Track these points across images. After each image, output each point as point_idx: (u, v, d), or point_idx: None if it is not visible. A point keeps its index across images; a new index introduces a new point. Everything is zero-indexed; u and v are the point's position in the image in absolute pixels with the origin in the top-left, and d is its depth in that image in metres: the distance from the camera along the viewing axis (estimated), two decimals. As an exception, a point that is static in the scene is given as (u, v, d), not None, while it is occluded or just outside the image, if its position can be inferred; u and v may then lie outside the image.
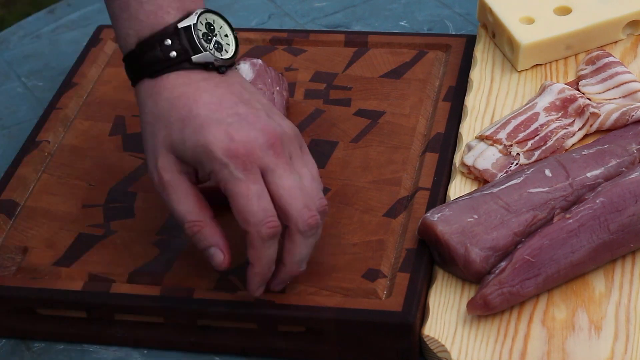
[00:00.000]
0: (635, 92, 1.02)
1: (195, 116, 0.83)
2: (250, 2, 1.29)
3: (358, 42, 1.14)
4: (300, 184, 0.83)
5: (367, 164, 0.99)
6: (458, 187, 0.96)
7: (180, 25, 0.86)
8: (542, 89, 1.03)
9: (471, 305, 0.85)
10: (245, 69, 1.04)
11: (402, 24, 1.23)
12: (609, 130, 1.00)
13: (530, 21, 1.09)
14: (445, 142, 1.01)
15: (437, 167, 0.98)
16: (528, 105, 1.01)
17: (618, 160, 0.94)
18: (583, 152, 0.94)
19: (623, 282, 0.88)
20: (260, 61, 1.05)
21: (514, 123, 0.99)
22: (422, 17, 1.23)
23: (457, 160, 0.99)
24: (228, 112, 0.83)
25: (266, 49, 1.14)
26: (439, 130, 1.02)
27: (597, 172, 0.93)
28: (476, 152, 0.98)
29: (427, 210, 0.93)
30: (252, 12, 1.27)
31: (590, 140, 0.99)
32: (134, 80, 0.87)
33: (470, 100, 1.05)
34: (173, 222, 0.95)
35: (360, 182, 0.97)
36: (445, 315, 0.87)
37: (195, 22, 0.86)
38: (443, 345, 0.84)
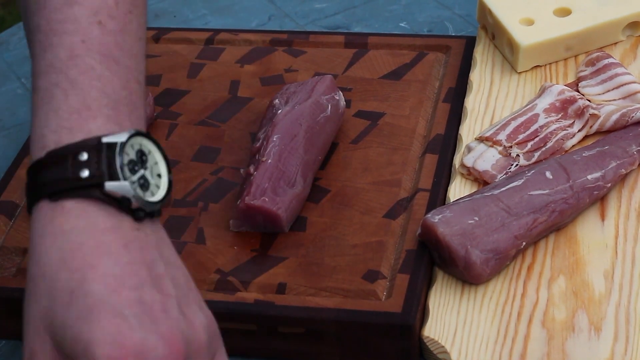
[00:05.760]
0: (635, 93, 1.02)
1: (86, 293, 0.63)
2: (250, 4, 1.29)
3: (358, 43, 1.14)
4: None
5: (367, 165, 0.99)
6: (458, 189, 0.96)
7: (105, 139, 0.67)
8: (542, 91, 1.03)
9: None
10: None
11: (402, 25, 1.23)
12: (608, 131, 1.00)
13: (530, 22, 1.09)
14: (445, 144, 1.01)
15: (437, 169, 0.98)
16: (528, 107, 1.01)
17: (618, 162, 0.94)
18: (583, 154, 0.94)
19: (623, 283, 0.88)
20: None
21: (513, 124, 0.99)
22: (422, 18, 1.24)
23: (456, 161, 0.99)
24: (129, 297, 0.64)
25: (266, 50, 1.14)
26: (439, 131, 1.02)
27: (597, 174, 0.93)
28: (476, 153, 0.98)
29: (427, 211, 0.93)
30: (252, 14, 1.27)
31: (590, 142, 0.99)
32: (30, 203, 0.67)
33: (470, 102, 1.05)
34: (173, 223, 0.95)
35: (360, 183, 0.97)
36: (445, 316, 0.87)
37: (124, 140, 0.67)
38: (443, 347, 0.84)
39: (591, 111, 1.00)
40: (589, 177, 0.92)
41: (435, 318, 0.86)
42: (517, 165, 0.97)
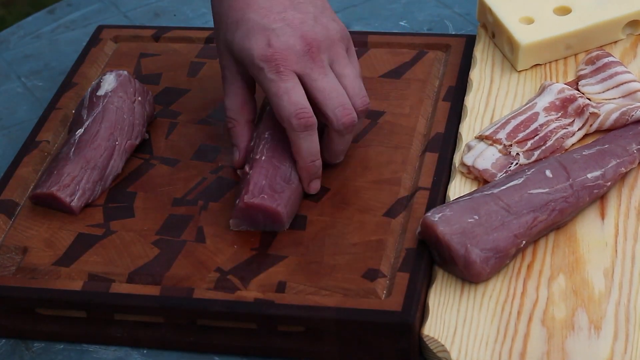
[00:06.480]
0: (635, 92, 1.02)
1: (246, 20, 0.92)
2: (250, 2, 1.29)
3: (358, 42, 1.14)
4: (336, 85, 0.92)
5: (367, 164, 0.99)
6: (458, 187, 0.96)
7: None
8: (542, 89, 1.03)
9: None
10: (110, 79, 1.04)
11: (402, 24, 1.23)
12: (608, 130, 1.00)
13: (530, 21, 1.09)
14: (445, 142, 1.01)
15: (437, 167, 0.98)
16: (528, 105, 1.01)
17: (618, 161, 0.94)
18: (583, 153, 0.94)
19: (623, 282, 0.88)
20: (125, 72, 1.05)
21: (513, 123, 0.99)
22: (422, 17, 1.23)
23: (456, 160, 0.99)
24: (275, 18, 0.92)
25: (266, 49, 1.14)
26: (439, 130, 1.02)
27: (597, 172, 0.93)
28: (476, 152, 0.98)
29: (427, 210, 0.93)
30: (251, 12, 1.27)
31: (589, 140, 0.99)
32: None
33: (470, 100, 1.05)
34: (173, 222, 0.95)
35: (360, 182, 0.97)
36: (445, 315, 0.87)
37: None
38: (443, 345, 0.84)
39: (591, 110, 1.00)
40: (589, 175, 0.92)
41: (435, 317, 0.86)
42: (517, 163, 0.97)
